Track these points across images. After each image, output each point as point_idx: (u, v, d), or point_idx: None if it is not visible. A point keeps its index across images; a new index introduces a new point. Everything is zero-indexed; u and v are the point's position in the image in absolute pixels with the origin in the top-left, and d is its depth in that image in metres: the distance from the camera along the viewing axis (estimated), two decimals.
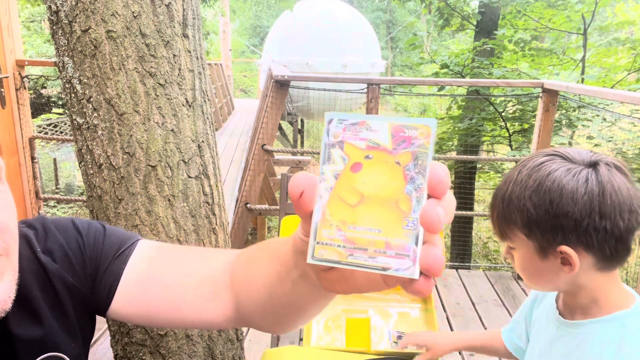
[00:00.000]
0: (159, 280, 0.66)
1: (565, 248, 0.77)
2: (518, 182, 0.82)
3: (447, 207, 0.36)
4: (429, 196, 0.36)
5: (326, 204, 0.38)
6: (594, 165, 0.78)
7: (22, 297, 0.60)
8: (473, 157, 5.36)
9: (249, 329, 2.66)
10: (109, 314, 0.68)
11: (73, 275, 0.66)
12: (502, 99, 5.71)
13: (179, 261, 0.68)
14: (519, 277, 3.43)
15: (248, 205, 3.43)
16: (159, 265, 0.68)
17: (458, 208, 6.26)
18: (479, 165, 6.64)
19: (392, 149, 0.37)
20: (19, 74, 2.93)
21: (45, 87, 10.48)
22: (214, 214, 1.27)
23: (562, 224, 0.77)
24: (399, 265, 0.36)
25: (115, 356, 1.28)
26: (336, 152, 0.38)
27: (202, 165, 1.22)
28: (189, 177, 1.19)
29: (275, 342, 1.66)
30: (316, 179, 0.39)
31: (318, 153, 3.08)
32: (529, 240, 0.82)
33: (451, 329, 2.76)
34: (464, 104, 6.48)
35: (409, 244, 0.36)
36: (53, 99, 10.46)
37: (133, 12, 1.06)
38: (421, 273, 0.36)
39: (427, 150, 0.36)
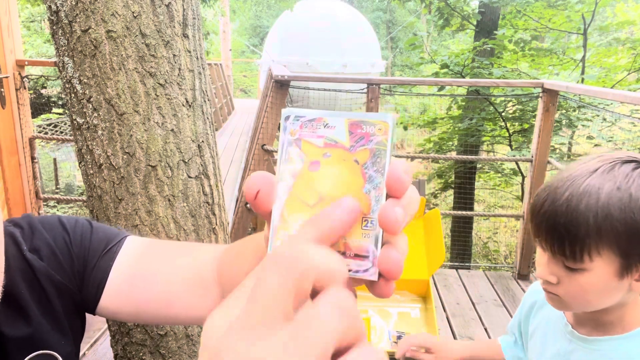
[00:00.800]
0: (147, 276, 0.66)
1: None
2: (615, 194, 0.72)
3: (406, 207, 0.35)
4: (388, 195, 0.35)
5: (284, 204, 0.37)
6: None
7: (9, 296, 0.60)
8: (473, 157, 5.36)
9: None
10: (98, 311, 0.68)
11: (61, 273, 0.66)
12: (502, 99, 5.71)
13: (167, 257, 0.68)
14: (519, 277, 3.43)
15: (248, 205, 3.42)
16: (147, 261, 0.68)
17: (458, 208, 6.23)
18: (479, 165, 6.64)
19: (349, 146, 0.36)
20: (19, 74, 2.93)
21: (45, 87, 10.48)
22: (214, 214, 1.27)
23: None
24: (358, 266, 0.35)
25: (115, 356, 1.28)
26: (294, 151, 0.37)
27: (202, 165, 1.22)
28: (189, 177, 1.19)
29: None
30: (273, 178, 0.37)
31: None
32: (617, 257, 0.73)
33: (451, 329, 2.76)
34: (464, 104, 6.48)
35: (368, 244, 0.35)
36: (53, 99, 10.45)
37: (133, 12, 1.06)
38: (381, 275, 0.35)
39: (385, 147, 0.35)
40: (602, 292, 0.76)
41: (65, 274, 0.67)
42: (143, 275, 0.67)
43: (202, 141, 1.22)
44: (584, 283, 0.75)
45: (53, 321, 0.66)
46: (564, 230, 0.74)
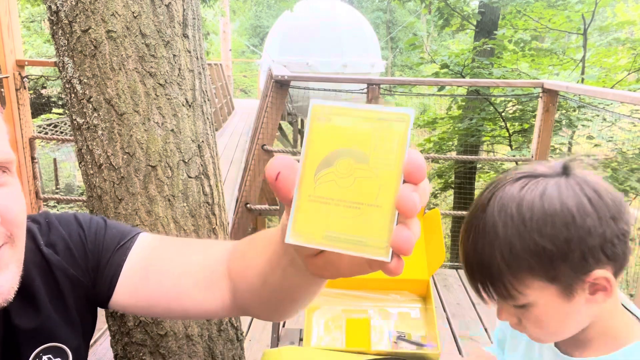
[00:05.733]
0: (158, 271, 0.68)
1: (599, 272, 0.66)
2: (509, 222, 0.67)
3: (422, 194, 0.37)
4: (405, 181, 0.37)
5: (304, 193, 0.39)
6: (566, 170, 0.69)
7: (23, 289, 0.61)
8: (473, 157, 5.36)
9: (249, 329, 2.66)
10: (110, 305, 0.70)
11: (75, 268, 0.68)
12: (502, 99, 5.71)
13: (178, 252, 0.70)
14: None
15: (248, 205, 3.43)
16: (159, 256, 0.70)
17: (458, 208, 6.23)
18: (479, 165, 6.65)
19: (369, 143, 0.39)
20: (19, 74, 2.93)
21: (45, 87, 10.48)
22: (214, 214, 1.27)
23: (590, 246, 0.65)
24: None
25: (115, 356, 1.28)
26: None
27: (202, 165, 1.22)
28: (189, 177, 1.19)
29: (275, 342, 1.66)
30: (294, 163, 0.39)
31: None
32: (551, 284, 0.67)
33: (451, 329, 2.76)
34: (464, 104, 6.48)
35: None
36: (53, 99, 10.45)
37: (133, 12, 1.06)
38: (394, 254, 0.37)
39: (405, 138, 0.37)
40: (561, 319, 0.70)
41: (79, 269, 0.69)
42: (154, 270, 0.68)
43: (202, 141, 1.22)
44: (537, 315, 0.70)
45: (64, 314, 0.68)
46: (479, 275, 0.72)
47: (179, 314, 0.69)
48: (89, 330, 0.73)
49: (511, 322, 0.76)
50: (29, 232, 0.66)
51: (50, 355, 0.65)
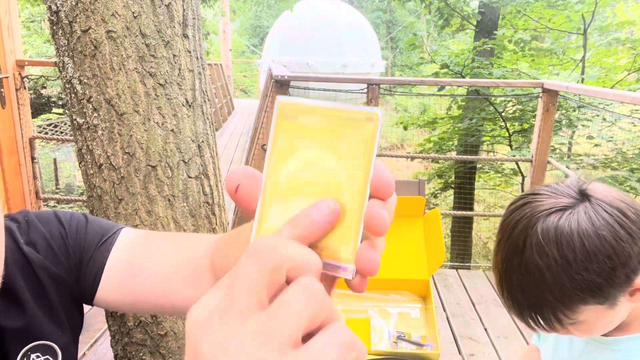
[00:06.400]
0: (143, 267, 0.67)
1: (639, 281, 0.72)
2: (553, 265, 0.71)
3: (391, 210, 0.34)
4: (372, 196, 0.34)
5: (265, 200, 0.37)
6: (585, 195, 0.74)
7: (6, 289, 0.61)
8: (473, 157, 5.36)
9: None
10: (95, 302, 0.69)
11: (57, 266, 0.67)
12: (502, 99, 5.71)
13: (162, 247, 0.69)
14: None
15: None
16: (143, 252, 0.69)
17: (458, 208, 6.22)
18: (479, 165, 6.64)
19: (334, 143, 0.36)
20: (19, 74, 2.93)
21: (45, 87, 10.48)
22: (213, 214, 1.27)
23: (632, 266, 0.71)
24: (335, 263, 0.35)
25: (115, 356, 1.28)
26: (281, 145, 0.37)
27: (202, 165, 1.22)
28: (189, 177, 1.19)
29: None
30: (256, 174, 0.37)
31: None
32: (601, 305, 0.73)
33: (451, 329, 2.76)
34: (464, 104, 6.48)
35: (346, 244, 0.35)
36: (53, 99, 10.45)
37: (133, 13, 1.07)
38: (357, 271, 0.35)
39: (374, 140, 0.34)
40: (607, 323, 0.77)
41: (61, 267, 0.68)
42: (139, 266, 0.67)
43: (202, 141, 1.22)
44: (586, 327, 0.77)
45: (49, 312, 0.67)
46: (530, 312, 0.77)
47: (167, 309, 0.68)
48: (77, 327, 0.72)
49: (560, 332, 0.80)
50: (8, 230, 0.66)
51: (38, 353, 0.65)
